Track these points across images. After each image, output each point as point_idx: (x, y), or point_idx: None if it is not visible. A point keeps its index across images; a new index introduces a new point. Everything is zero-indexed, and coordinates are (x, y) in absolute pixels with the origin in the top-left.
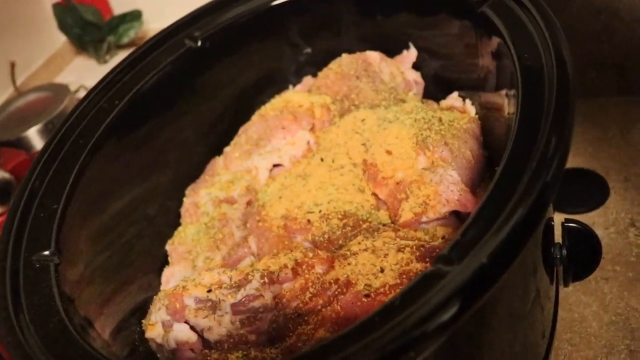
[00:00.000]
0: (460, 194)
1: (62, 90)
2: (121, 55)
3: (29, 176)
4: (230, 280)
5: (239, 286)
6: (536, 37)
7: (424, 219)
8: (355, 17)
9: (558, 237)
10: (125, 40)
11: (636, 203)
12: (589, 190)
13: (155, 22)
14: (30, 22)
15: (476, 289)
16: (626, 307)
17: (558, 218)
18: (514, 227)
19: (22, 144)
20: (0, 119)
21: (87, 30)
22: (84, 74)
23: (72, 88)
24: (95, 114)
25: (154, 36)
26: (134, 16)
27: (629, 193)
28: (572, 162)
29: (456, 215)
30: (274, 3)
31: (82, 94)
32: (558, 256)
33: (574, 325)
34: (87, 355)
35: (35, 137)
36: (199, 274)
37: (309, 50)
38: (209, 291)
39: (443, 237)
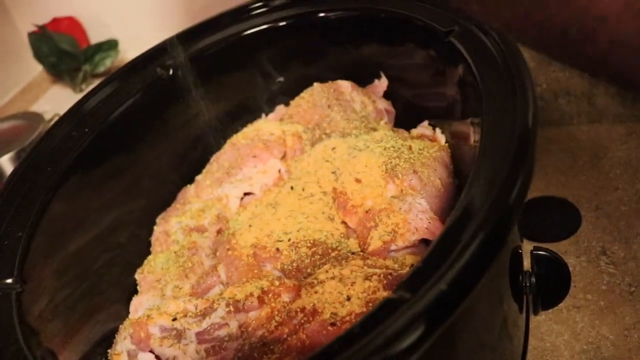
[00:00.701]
0: (430, 222)
1: (35, 118)
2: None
3: None
4: (196, 308)
5: (204, 315)
6: (501, 66)
7: (393, 247)
8: (326, 46)
9: (528, 266)
10: (101, 69)
11: (607, 231)
12: (561, 219)
13: (132, 51)
14: (6, 51)
15: (436, 315)
16: (597, 336)
17: (529, 247)
18: (474, 253)
19: None
20: None
21: (62, 59)
22: (59, 103)
23: (47, 117)
24: (65, 142)
25: (126, 64)
26: (111, 45)
27: (600, 221)
28: (543, 191)
29: (425, 244)
30: (247, 32)
31: None
32: (527, 284)
33: (546, 355)
34: None
35: (7, 165)
36: (165, 303)
37: (281, 79)
38: (174, 320)
39: (412, 265)
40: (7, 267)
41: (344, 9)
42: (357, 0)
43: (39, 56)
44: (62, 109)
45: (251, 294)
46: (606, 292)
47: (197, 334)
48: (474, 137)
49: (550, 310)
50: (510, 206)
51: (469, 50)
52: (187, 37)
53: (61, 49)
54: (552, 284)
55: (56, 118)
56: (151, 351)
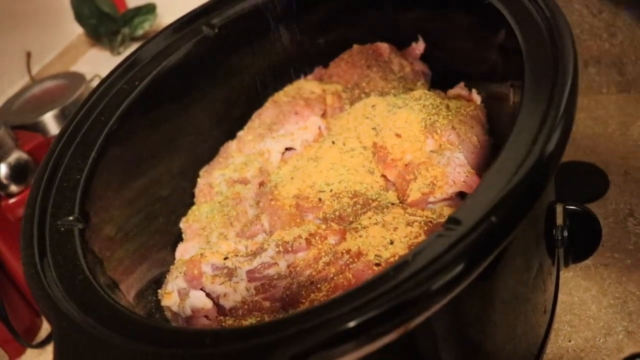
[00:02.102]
0: (467, 176)
1: (77, 78)
2: (135, 47)
3: (53, 149)
4: (246, 248)
5: (254, 254)
6: (543, 28)
7: (431, 198)
8: (366, 9)
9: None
10: (139, 32)
11: (635, 194)
12: (590, 183)
13: (168, 15)
14: (46, 14)
15: (485, 246)
16: (624, 292)
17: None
18: (521, 189)
19: (38, 128)
20: (17, 105)
21: (102, 22)
22: (98, 65)
23: (87, 77)
24: (116, 94)
25: (174, 22)
26: (149, 9)
27: (628, 185)
28: (573, 156)
29: (462, 197)
30: None
31: (97, 82)
32: (559, 238)
33: (574, 308)
34: (110, 306)
35: (51, 121)
36: (216, 243)
37: (321, 41)
38: (226, 259)
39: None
40: (68, 205)
41: None
42: None
43: (80, 18)
44: (101, 71)
45: (299, 236)
46: (633, 251)
47: (248, 272)
48: (512, 98)
49: (578, 268)
50: (552, 151)
51: (511, 12)
52: None
53: (101, 12)
54: (583, 238)
55: (97, 79)
56: (202, 289)
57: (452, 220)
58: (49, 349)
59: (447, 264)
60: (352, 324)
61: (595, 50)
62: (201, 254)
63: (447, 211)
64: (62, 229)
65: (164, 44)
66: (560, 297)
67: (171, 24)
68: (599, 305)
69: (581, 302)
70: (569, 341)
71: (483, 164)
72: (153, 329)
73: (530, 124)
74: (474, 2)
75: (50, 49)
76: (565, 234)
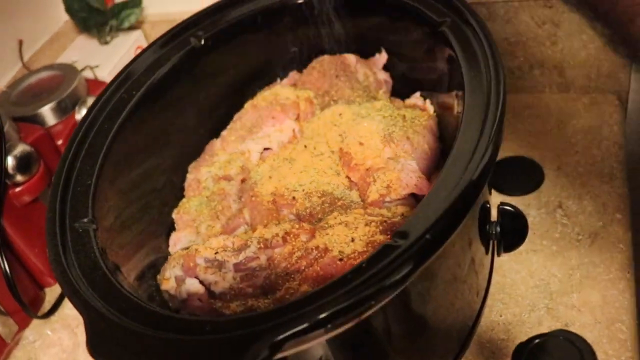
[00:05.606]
0: (418, 180)
1: (70, 70)
2: (121, 37)
3: (66, 156)
4: (233, 245)
5: (240, 250)
6: (479, 54)
7: (388, 199)
8: (335, 22)
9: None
10: (126, 24)
11: (565, 188)
12: (527, 176)
13: (152, 7)
14: (34, 2)
15: (422, 256)
16: (548, 274)
17: (498, 199)
18: (450, 212)
19: (37, 120)
20: (14, 96)
21: (91, 15)
22: (86, 53)
23: (79, 67)
24: (117, 103)
25: (164, 34)
26: (135, 3)
27: (560, 179)
28: (514, 151)
29: (414, 197)
30: (271, 7)
31: (87, 73)
32: (493, 232)
33: (506, 288)
34: (127, 299)
35: (48, 113)
36: (208, 240)
37: (295, 49)
38: (216, 253)
39: (402, 214)
40: (83, 209)
41: None
42: None
43: (70, 12)
44: (90, 59)
45: (277, 234)
46: (558, 239)
47: (235, 264)
48: (457, 108)
49: (512, 253)
50: (475, 181)
51: (457, 38)
52: (217, 9)
53: (91, 6)
54: (513, 233)
55: (87, 70)
56: (196, 277)
57: (398, 234)
58: (53, 319)
59: (393, 269)
60: (323, 315)
61: (539, 56)
62: (196, 249)
63: (400, 209)
64: (80, 230)
65: (155, 55)
66: (496, 278)
67: (162, 36)
68: (526, 285)
69: (512, 282)
70: (500, 316)
71: (433, 168)
72: (164, 318)
73: (465, 150)
74: (428, 26)
75: (41, 36)
76: (498, 229)
